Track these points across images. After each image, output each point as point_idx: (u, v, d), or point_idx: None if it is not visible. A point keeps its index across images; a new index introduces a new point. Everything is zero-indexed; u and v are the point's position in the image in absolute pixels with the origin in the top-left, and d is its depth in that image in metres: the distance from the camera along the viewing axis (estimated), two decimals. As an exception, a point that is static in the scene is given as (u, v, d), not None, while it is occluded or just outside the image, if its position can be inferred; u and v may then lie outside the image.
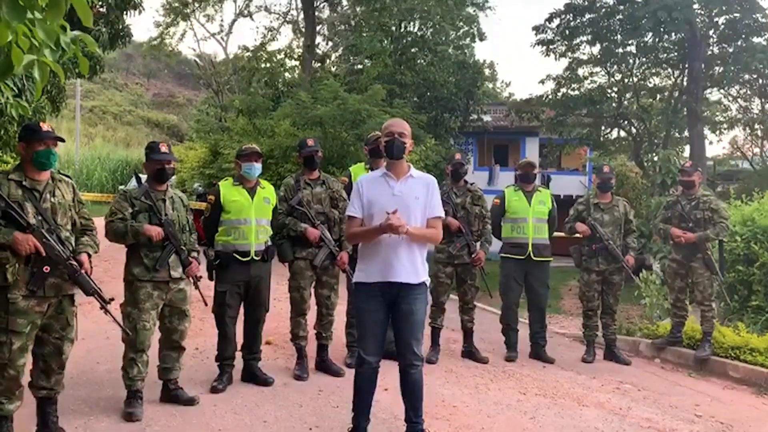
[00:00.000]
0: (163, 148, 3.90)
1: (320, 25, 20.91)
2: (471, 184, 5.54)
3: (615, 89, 17.42)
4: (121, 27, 7.86)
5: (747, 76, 15.67)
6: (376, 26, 18.26)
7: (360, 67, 18.60)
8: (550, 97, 17.39)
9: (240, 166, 4.41)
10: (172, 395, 3.96)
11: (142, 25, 60.54)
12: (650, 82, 17.63)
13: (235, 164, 4.50)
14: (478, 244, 5.41)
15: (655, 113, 17.21)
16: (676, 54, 15.92)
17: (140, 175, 4.22)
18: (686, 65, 15.37)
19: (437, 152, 14.84)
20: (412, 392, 3.38)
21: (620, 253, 5.63)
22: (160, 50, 23.35)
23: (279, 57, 20.73)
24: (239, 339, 4.45)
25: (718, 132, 17.82)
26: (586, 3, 16.10)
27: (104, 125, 36.62)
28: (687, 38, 14.64)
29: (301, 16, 21.07)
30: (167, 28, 22.07)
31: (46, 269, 3.13)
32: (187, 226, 4.00)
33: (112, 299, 3.38)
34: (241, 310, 4.45)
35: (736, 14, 14.45)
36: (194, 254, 4.01)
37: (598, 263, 5.67)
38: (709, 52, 15.29)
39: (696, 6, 14.39)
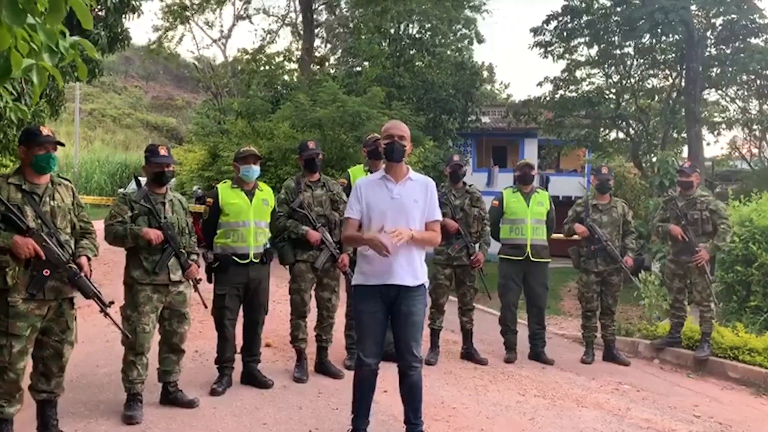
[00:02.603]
0: (163, 152, 3.91)
1: (319, 28, 20.99)
2: (469, 186, 5.54)
3: (613, 90, 17.44)
4: (119, 30, 7.87)
5: (745, 77, 15.68)
6: (375, 29, 18.29)
7: (358, 69, 18.64)
8: (548, 98, 17.41)
9: (238, 168, 4.41)
10: (171, 398, 3.96)
11: (140, 28, 60.61)
12: (648, 84, 17.64)
13: (234, 167, 4.51)
14: (477, 245, 5.42)
15: (653, 114, 17.25)
16: (673, 55, 15.94)
17: (140, 178, 4.23)
18: (684, 66, 15.38)
19: (436, 154, 14.87)
20: (411, 394, 3.39)
21: (619, 254, 5.64)
22: (158, 53, 23.38)
23: (278, 60, 20.78)
24: (239, 341, 4.46)
25: (716, 133, 17.86)
26: (584, 5, 16.12)
27: (103, 128, 36.65)
28: (684, 39, 14.65)
29: (300, 18, 21.13)
30: (166, 32, 22.08)
31: (46, 272, 3.14)
32: (187, 229, 4.00)
33: (112, 302, 3.38)
34: (241, 313, 4.46)
35: (733, 15, 14.46)
36: (193, 257, 4.01)
37: (597, 264, 5.68)
38: (707, 53, 15.30)
39: (693, 7, 14.40)
